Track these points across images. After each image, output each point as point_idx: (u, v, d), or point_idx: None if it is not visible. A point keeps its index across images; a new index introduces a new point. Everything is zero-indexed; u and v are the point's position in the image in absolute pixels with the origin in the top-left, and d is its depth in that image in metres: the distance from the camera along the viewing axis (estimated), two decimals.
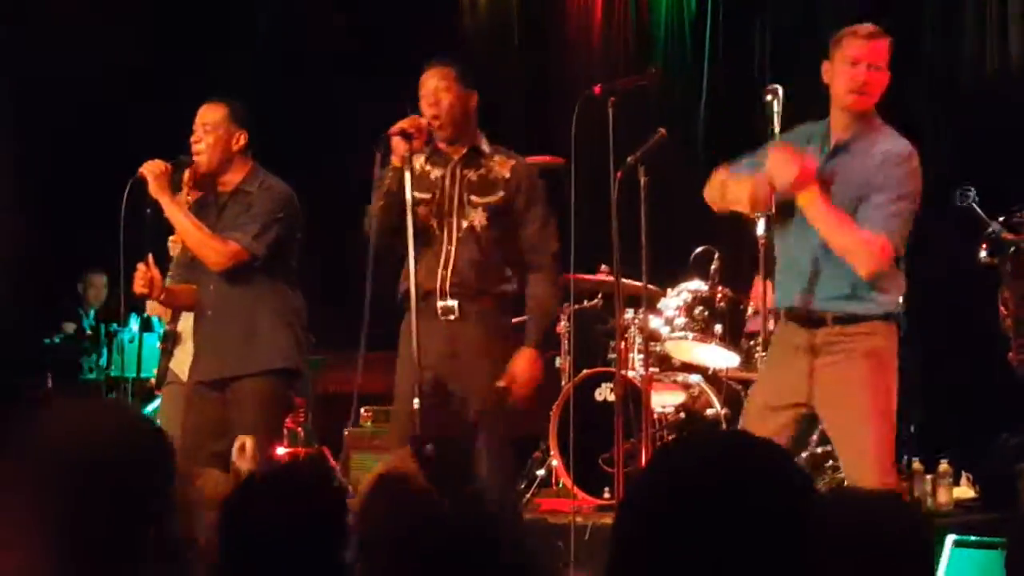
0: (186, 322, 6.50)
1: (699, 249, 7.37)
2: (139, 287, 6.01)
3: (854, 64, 4.81)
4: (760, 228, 6.24)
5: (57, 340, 8.53)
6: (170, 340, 6.65)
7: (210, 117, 5.89)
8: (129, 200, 6.33)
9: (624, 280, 6.02)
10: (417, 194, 5.45)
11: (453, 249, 5.60)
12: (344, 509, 2.69)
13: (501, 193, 5.66)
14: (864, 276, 4.83)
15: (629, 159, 5.68)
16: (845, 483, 5.32)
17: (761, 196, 4.99)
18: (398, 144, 5.54)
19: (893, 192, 4.80)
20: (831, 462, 6.59)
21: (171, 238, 6.43)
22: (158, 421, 6.27)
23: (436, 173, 5.73)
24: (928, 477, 6.71)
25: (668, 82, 8.45)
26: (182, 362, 6.40)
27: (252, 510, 2.59)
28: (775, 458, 1.79)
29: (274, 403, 5.87)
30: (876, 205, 4.79)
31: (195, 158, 5.93)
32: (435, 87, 5.71)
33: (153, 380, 6.83)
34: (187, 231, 5.61)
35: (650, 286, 6.32)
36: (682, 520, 1.69)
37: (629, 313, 7.03)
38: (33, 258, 8.70)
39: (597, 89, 5.75)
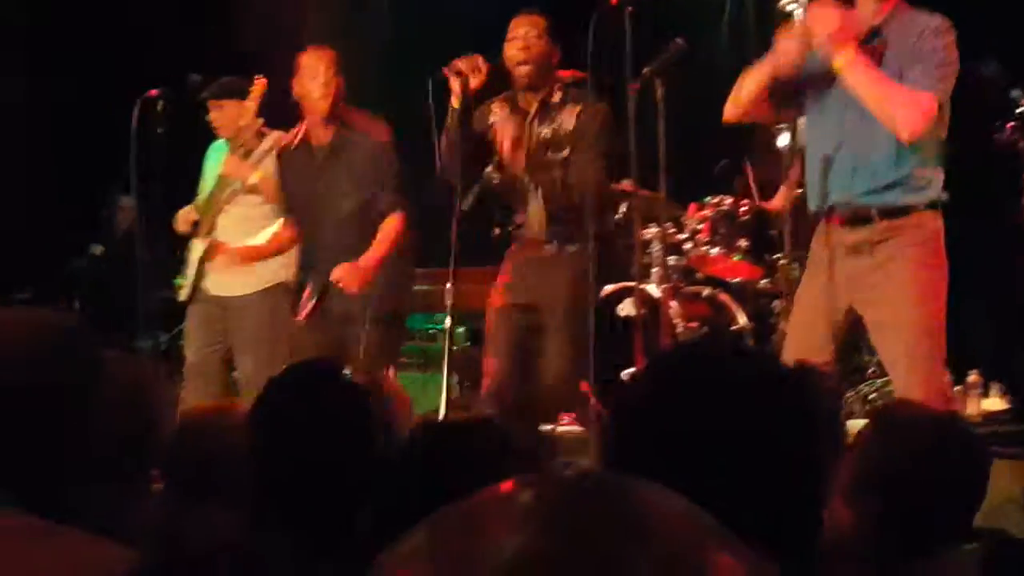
0: (224, 233, 6.61)
1: (722, 162, 7.35)
2: (183, 226, 6.52)
3: None
4: (783, 140, 6.24)
5: (85, 263, 8.53)
6: (208, 255, 6.68)
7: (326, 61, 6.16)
8: (142, 119, 6.53)
9: (646, 192, 6.01)
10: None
11: (540, 199, 5.76)
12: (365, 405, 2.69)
13: (568, 148, 5.73)
14: (907, 136, 4.71)
15: (645, 71, 5.55)
16: (893, 394, 5.18)
17: (785, 60, 4.85)
18: (453, 83, 5.68)
19: (935, 60, 4.71)
20: (875, 370, 6.56)
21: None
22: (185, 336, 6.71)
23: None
24: (957, 388, 6.61)
25: None
26: (213, 278, 6.56)
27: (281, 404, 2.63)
28: (766, 367, 1.77)
29: None
30: (920, 72, 4.70)
31: (319, 102, 6.12)
32: (526, 33, 5.80)
33: (182, 292, 6.80)
34: None
35: (671, 201, 6.31)
36: (667, 419, 1.69)
37: (652, 229, 6.92)
38: (56, 181, 8.84)
39: (613, 0, 5.61)
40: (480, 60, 5.79)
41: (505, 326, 5.92)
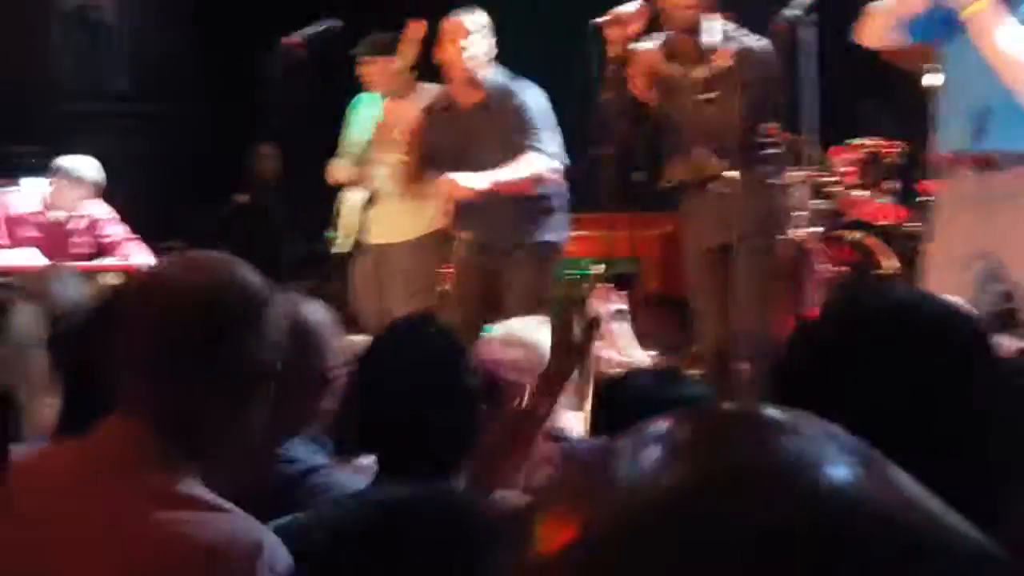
0: (382, 182, 6.69)
1: (868, 103, 7.34)
2: (339, 177, 6.68)
3: None
4: (928, 79, 6.10)
5: (228, 211, 8.66)
6: (370, 203, 6.85)
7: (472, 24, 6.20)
8: (284, 67, 6.66)
9: (788, 136, 6.01)
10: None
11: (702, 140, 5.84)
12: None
13: (718, 91, 5.74)
14: (1021, 90, 4.66)
15: (786, 12, 5.56)
16: None
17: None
18: (611, 32, 5.69)
19: None
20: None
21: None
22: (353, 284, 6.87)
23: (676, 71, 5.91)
24: None
25: None
26: (372, 227, 6.70)
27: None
28: (947, 312, 1.79)
29: None
30: None
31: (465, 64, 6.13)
32: None
33: (339, 244, 6.96)
34: None
35: (817, 144, 6.28)
36: (847, 360, 1.69)
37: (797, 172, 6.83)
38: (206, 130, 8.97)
39: None
40: (641, 7, 5.77)
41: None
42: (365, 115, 6.94)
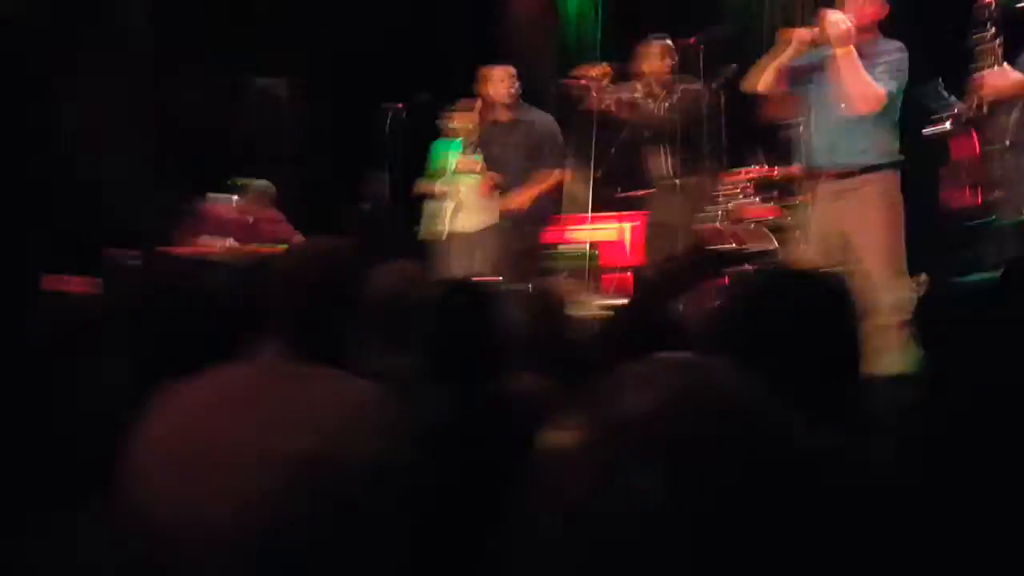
0: (461, 186, 7.00)
1: (757, 145, 7.44)
2: (422, 190, 7.10)
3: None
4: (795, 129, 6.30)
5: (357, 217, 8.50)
6: (458, 208, 7.15)
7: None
8: (392, 123, 7.13)
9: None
10: None
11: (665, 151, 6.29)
12: None
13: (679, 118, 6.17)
14: (863, 111, 4.90)
15: (712, 86, 6.01)
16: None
17: (804, 40, 5.11)
18: (582, 84, 6.23)
19: (888, 72, 4.95)
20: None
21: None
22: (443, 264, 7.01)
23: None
24: (912, 283, 6.13)
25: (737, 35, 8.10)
26: (457, 219, 7.07)
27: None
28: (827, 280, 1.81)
29: None
30: (880, 73, 4.93)
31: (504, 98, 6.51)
32: (664, 52, 6.22)
33: (435, 232, 7.26)
34: None
35: (727, 169, 6.63)
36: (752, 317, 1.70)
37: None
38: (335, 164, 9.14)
39: (691, 39, 6.15)
40: (606, 66, 6.16)
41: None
42: (442, 153, 7.28)
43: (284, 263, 2.24)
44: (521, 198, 6.57)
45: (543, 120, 6.73)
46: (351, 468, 1.79)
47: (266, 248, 7.79)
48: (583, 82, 6.16)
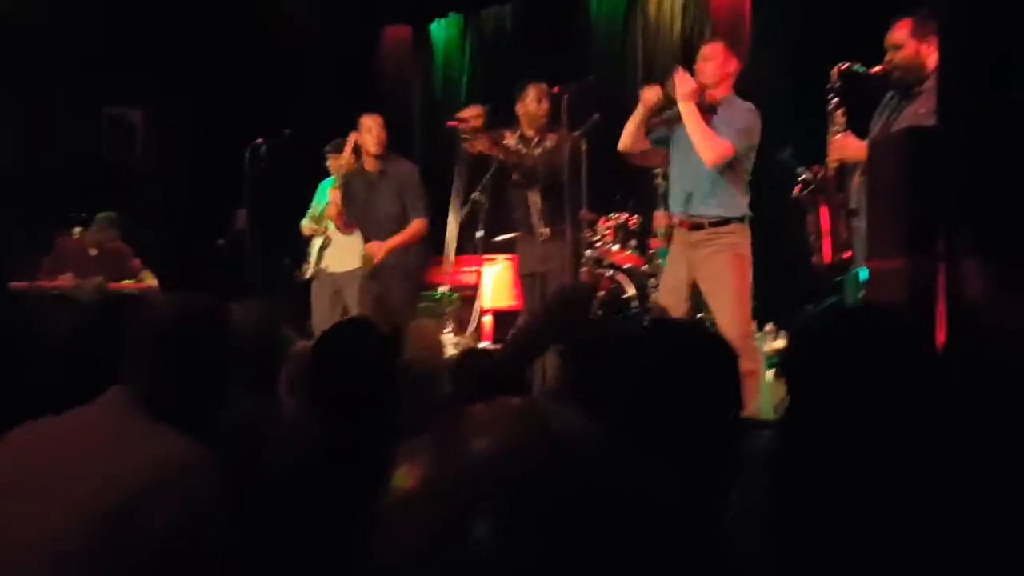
0: (334, 234, 7.01)
1: (618, 194, 7.78)
2: (307, 230, 7.04)
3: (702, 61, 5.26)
4: (659, 179, 6.62)
5: (213, 251, 8.73)
6: (324, 246, 7.17)
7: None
8: (251, 159, 7.03)
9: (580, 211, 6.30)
10: None
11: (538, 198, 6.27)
12: None
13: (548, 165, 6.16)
14: (708, 163, 5.06)
15: (574, 135, 5.98)
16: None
17: (648, 104, 5.27)
18: (460, 125, 6.18)
19: (740, 126, 5.13)
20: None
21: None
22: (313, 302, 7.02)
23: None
24: (759, 333, 6.83)
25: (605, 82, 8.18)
26: (325, 258, 7.09)
27: None
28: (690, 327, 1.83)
29: None
30: (729, 130, 5.12)
31: (373, 148, 6.57)
32: (539, 96, 6.16)
33: (307, 273, 7.22)
34: None
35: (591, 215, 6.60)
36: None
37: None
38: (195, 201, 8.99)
39: (556, 88, 6.14)
40: (479, 108, 6.16)
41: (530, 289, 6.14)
42: (325, 193, 7.19)
43: (142, 315, 2.20)
44: (380, 249, 6.62)
45: (407, 170, 6.79)
46: (154, 528, 1.78)
47: (114, 283, 7.66)
48: (459, 124, 6.21)
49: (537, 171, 6.11)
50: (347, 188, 6.81)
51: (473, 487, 0.79)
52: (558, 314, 2.54)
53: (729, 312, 5.04)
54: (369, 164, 6.69)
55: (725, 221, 5.18)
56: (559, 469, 0.80)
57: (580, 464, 0.81)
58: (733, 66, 5.32)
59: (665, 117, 5.42)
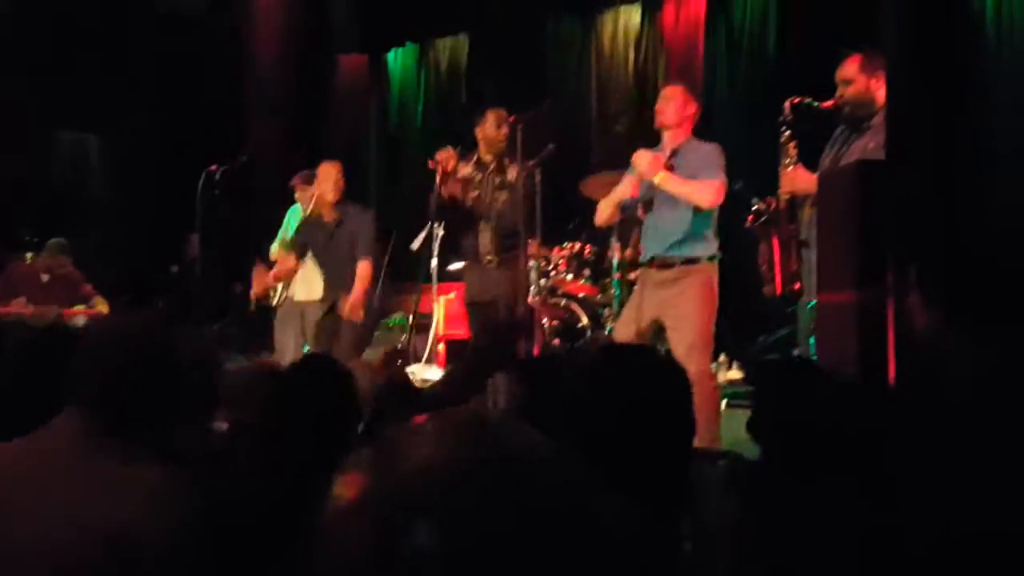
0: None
1: (572, 223, 7.78)
2: (258, 290, 7.06)
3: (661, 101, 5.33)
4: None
5: (166, 277, 8.76)
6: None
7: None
8: (206, 185, 6.99)
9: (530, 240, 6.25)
10: None
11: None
12: None
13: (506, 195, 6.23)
14: (707, 206, 5.09)
15: (529, 163, 5.95)
16: None
17: (632, 189, 5.36)
18: (436, 166, 6.24)
19: (715, 166, 5.14)
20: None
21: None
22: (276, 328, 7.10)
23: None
24: (714, 364, 6.71)
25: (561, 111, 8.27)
26: (294, 288, 7.14)
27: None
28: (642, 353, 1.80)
29: None
30: (707, 170, 5.12)
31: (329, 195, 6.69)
32: (499, 123, 6.20)
33: (274, 301, 7.25)
34: None
35: (543, 246, 6.59)
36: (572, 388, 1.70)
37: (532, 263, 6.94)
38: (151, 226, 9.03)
39: (511, 118, 6.11)
40: (451, 150, 6.24)
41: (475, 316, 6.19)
42: (293, 221, 7.23)
43: (92, 336, 2.19)
44: (355, 305, 6.72)
45: (361, 217, 6.91)
46: (145, 553, 1.80)
47: (66, 309, 7.61)
48: (435, 166, 6.31)
49: (493, 207, 6.21)
50: (307, 234, 6.93)
51: (413, 497, 0.78)
52: (489, 345, 2.56)
53: (689, 346, 5.05)
54: (327, 212, 6.80)
55: (696, 260, 5.24)
56: (502, 482, 0.79)
57: (524, 478, 0.80)
58: (692, 109, 5.37)
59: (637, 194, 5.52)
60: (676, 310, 5.12)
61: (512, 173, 6.15)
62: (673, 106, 5.32)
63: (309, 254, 7.00)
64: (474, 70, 10.41)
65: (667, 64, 9.17)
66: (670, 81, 5.62)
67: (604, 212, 5.57)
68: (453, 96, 10.46)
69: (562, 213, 7.42)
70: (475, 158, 6.31)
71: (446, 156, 6.24)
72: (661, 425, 1.65)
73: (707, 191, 5.10)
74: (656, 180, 5.20)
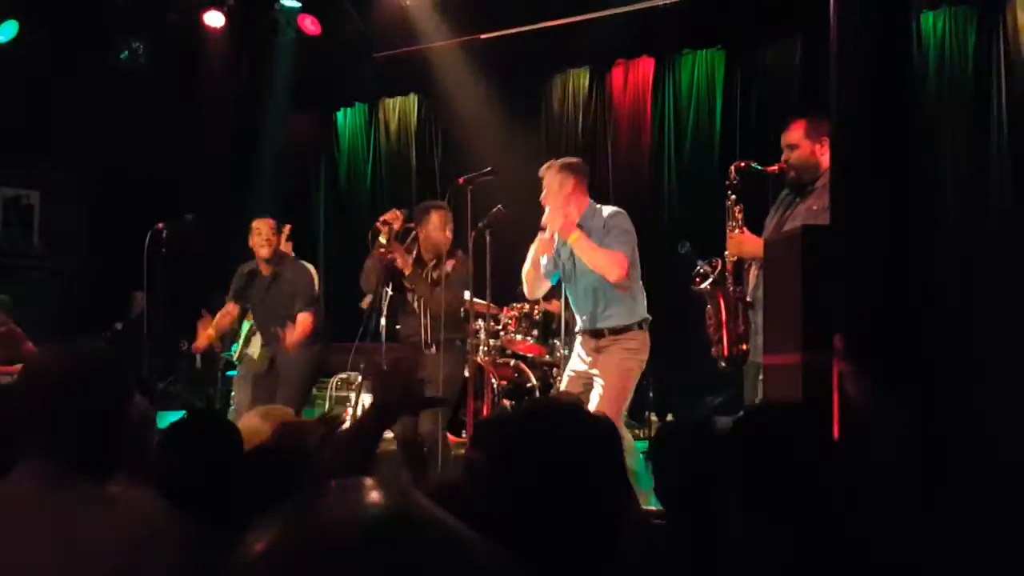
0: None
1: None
2: (201, 343, 7.00)
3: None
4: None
5: (110, 333, 8.62)
6: (251, 332, 7.23)
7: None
8: (151, 242, 7.00)
9: (478, 300, 6.45)
10: None
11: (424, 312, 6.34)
12: None
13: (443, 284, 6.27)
14: (613, 280, 5.19)
15: (479, 224, 6.01)
16: None
17: (545, 246, 5.45)
18: (381, 227, 6.19)
19: (619, 231, 5.25)
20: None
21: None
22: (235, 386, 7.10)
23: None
24: (659, 423, 7.19)
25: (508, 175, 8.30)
26: (253, 347, 7.14)
27: None
28: (573, 411, 1.78)
29: None
30: (612, 239, 5.21)
31: (262, 251, 6.77)
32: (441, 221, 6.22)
33: (234, 357, 7.30)
34: None
35: (492, 304, 6.60)
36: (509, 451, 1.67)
37: (480, 322, 7.21)
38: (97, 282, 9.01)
39: (460, 180, 6.18)
40: (398, 212, 6.30)
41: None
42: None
43: (44, 370, 2.10)
44: (291, 344, 6.77)
45: (297, 272, 6.95)
46: None
47: (6, 367, 7.45)
48: (382, 226, 6.30)
49: (429, 305, 6.27)
50: (246, 287, 6.95)
51: (318, 556, 0.78)
52: (384, 393, 2.52)
53: (602, 400, 5.16)
54: (263, 267, 6.85)
55: (625, 328, 5.32)
56: (414, 549, 0.79)
57: (425, 548, 0.80)
58: (571, 185, 5.41)
59: (553, 259, 5.58)
60: (601, 365, 5.28)
61: (449, 267, 6.23)
62: (550, 192, 5.39)
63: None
64: (423, 130, 10.43)
65: (615, 127, 9.28)
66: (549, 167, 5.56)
67: (527, 279, 5.65)
68: (402, 155, 10.48)
69: (511, 274, 7.07)
70: (414, 254, 6.34)
71: (393, 217, 6.27)
72: (584, 485, 1.63)
73: (614, 265, 5.19)
74: (570, 240, 5.26)
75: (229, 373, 7.62)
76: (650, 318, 5.42)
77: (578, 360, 5.45)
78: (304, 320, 6.71)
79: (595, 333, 5.35)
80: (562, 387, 5.55)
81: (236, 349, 7.23)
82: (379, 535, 0.79)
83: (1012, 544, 1.90)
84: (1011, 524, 1.92)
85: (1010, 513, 1.98)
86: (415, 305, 6.34)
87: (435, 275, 6.29)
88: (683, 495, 2.36)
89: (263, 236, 6.78)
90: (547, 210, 5.34)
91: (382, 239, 6.20)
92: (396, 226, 6.29)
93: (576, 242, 5.27)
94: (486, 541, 0.84)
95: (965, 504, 2.02)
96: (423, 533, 0.81)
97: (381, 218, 6.30)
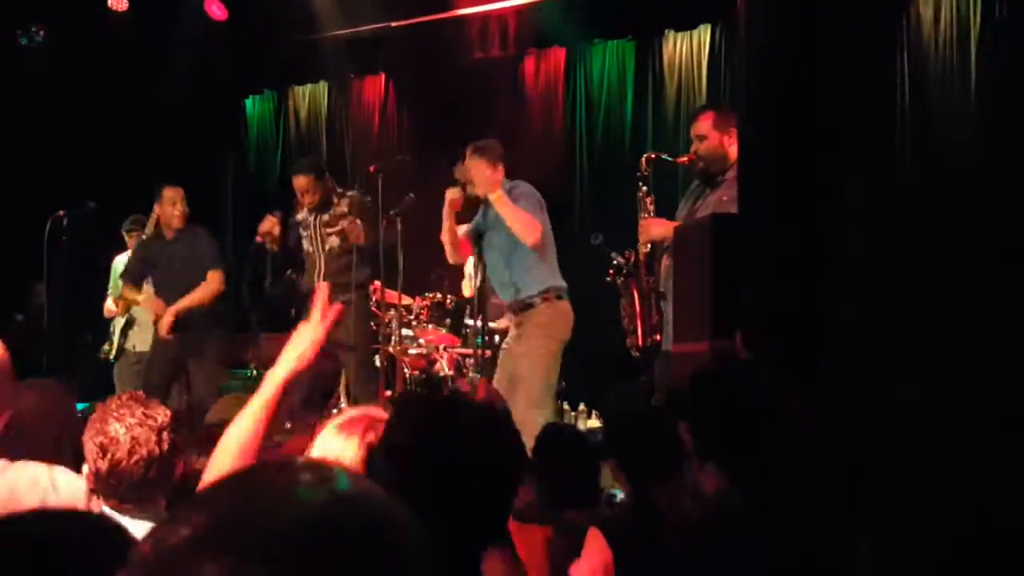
0: (137, 312, 7.07)
1: (435, 273, 7.89)
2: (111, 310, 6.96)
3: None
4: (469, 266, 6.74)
5: (10, 326, 8.36)
6: (129, 324, 7.18)
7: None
8: (52, 231, 6.92)
9: (390, 290, 6.51)
10: None
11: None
12: None
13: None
14: (531, 243, 5.31)
15: (391, 212, 6.04)
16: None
17: (453, 204, 5.55)
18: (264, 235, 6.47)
19: (525, 196, 5.38)
20: None
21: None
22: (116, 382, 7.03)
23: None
24: (573, 413, 7.34)
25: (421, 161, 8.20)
26: (132, 340, 7.10)
27: None
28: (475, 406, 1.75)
29: None
30: (524, 205, 5.37)
31: (175, 219, 6.67)
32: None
33: (111, 354, 7.21)
34: None
35: (404, 294, 6.69)
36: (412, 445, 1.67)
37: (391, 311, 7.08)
38: None
39: (372, 168, 6.20)
40: (272, 218, 6.51)
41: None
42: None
43: None
44: (176, 307, 6.64)
45: (203, 235, 6.87)
46: None
47: None
48: (263, 239, 6.48)
49: (322, 255, 6.39)
50: (145, 254, 6.86)
51: (248, 538, 0.77)
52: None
53: (520, 391, 5.19)
54: (168, 232, 6.78)
55: (534, 301, 5.38)
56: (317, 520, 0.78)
57: (355, 526, 0.79)
58: (488, 161, 5.52)
59: (474, 225, 5.66)
60: (521, 348, 5.33)
61: (343, 206, 6.29)
62: (475, 173, 5.51)
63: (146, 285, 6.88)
64: (333, 117, 10.35)
65: (527, 118, 9.29)
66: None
67: (445, 242, 5.74)
68: (313, 144, 10.40)
69: (423, 263, 7.44)
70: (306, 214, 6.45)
71: (270, 225, 6.48)
72: (478, 472, 1.65)
73: (530, 227, 5.27)
74: (492, 196, 5.33)
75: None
76: (565, 285, 5.46)
77: (505, 345, 5.56)
78: (216, 277, 6.66)
79: (512, 308, 5.43)
80: (499, 362, 5.60)
81: (110, 347, 7.15)
82: (311, 514, 0.77)
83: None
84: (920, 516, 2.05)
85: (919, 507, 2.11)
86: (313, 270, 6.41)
87: (325, 218, 6.45)
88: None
89: (178, 208, 6.73)
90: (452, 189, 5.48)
91: (272, 247, 6.43)
92: (275, 231, 6.48)
93: (498, 199, 5.34)
94: (409, 513, 0.83)
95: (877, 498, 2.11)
96: (353, 510, 0.80)
97: (259, 232, 6.51)
